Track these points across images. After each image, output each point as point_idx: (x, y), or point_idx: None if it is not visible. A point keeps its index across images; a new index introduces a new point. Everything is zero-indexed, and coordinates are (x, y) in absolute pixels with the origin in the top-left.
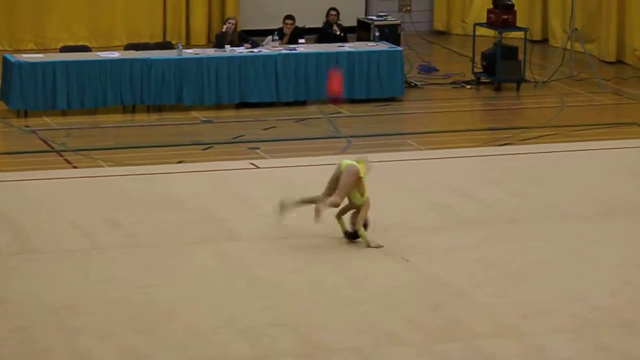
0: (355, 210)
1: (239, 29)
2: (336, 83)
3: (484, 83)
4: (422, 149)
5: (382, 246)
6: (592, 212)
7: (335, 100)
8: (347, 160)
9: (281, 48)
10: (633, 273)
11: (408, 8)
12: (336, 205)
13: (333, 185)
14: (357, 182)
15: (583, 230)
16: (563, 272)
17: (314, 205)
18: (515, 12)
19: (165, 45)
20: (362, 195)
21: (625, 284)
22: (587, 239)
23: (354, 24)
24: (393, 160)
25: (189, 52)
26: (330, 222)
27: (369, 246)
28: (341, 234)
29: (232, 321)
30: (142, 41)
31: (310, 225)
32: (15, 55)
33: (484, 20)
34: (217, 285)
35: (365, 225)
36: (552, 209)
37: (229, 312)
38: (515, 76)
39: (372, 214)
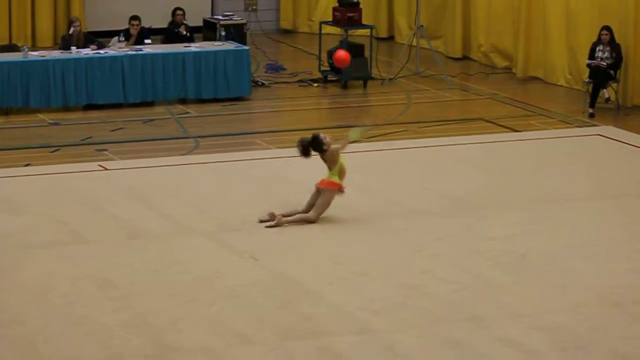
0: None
1: (84, 30)
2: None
3: (331, 81)
4: (270, 148)
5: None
6: (438, 208)
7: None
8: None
9: (127, 49)
10: (480, 267)
11: (254, 7)
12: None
13: (314, 200)
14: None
15: (430, 226)
16: (411, 268)
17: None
18: (360, 9)
19: (11, 47)
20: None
21: (474, 278)
22: (434, 234)
23: (200, 23)
24: (242, 160)
25: (35, 54)
26: (176, 226)
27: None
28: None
29: (82, 323)
30: None
31: (158, 227)
32: None
33: (330, 19)
34: (65, 288)
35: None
36: (398, 205)
37: (78, 314)
38: (362, 74)
39: (219, 213)
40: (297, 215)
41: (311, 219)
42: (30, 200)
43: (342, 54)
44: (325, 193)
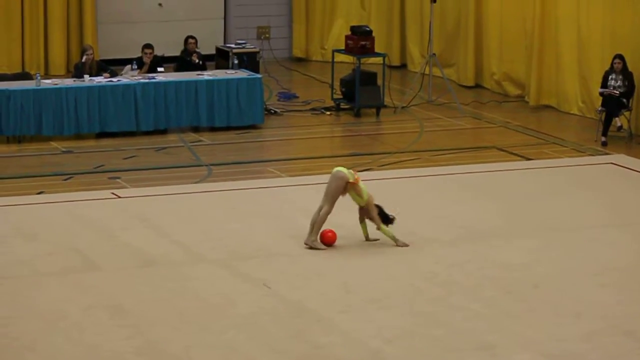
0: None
1: (97, 59)
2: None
3: (343, 109)
4: (282, 176)
5: (407, 245)
6: (450, 236)
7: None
8: (337, 167)
9: (140, 77)
10: (492, 295)
11: (267, 35)
12: (328, 212)
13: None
14: (350, 186)
15: (442, 254)
16: (423, 296)
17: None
18: (373, 38)
19: (24, 75)
20: (361, 196)
21: (486, 306)
22: (446, 262)
23: (213, 51)
24: (254, 188)
25: (48, 83)
26: (189, 254)
27: (396, 243)
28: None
29: (94, 351)
30: (0, 72)
31: (170, 254)
32: None
33: (343, 47)
34: (77, 315)
35: (389, 220)
36: (411, 233)
37: (90, 341)
38: (375, 102)
39: (232, 241)
40: (317, 223)
41: (326, 214)
42: (43, 227)
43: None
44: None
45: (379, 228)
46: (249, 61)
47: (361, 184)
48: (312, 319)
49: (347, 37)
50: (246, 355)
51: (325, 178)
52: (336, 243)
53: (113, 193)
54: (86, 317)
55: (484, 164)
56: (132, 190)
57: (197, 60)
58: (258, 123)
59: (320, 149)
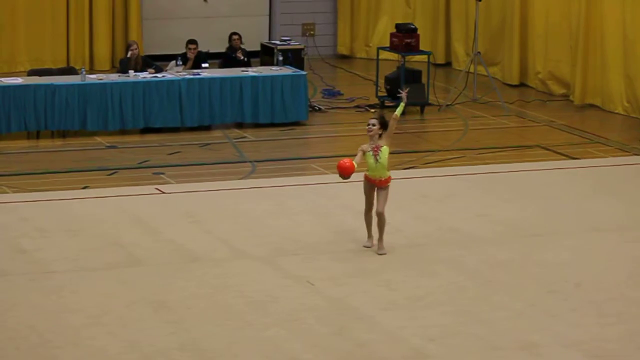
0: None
1: (142, 54)
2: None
3: (387, 107)
4: (326, 173)
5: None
6: (494, 234)
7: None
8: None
9: (185, 73)
10: (535, 294)
11: (312, 32)
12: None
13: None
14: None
15: (485, 252)
16: (467, 295)
17: None
18: (418, 35)
19: (69, 70)
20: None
21: (528, 305)
22: (489, 261)
23: (258, 48)
24: (298, 185)
25: (93, 78)
26: (232, 250)
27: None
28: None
29: (137, 346)
30: (46, 67)
31: (214, 251)
32: None
33: (388, 44)
34: (122, 310)
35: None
36: (455, 232)
37: (134, 337)
38: (419, 100)
39: (275, 237)
40: (381, 233)
41: (384, 218)
42: (87, 222)
43: (346, 165)
44: (386, 189)
45: (397, 118)
46: (294, 58)
47: (382, 153)
48: (355, 316)
49: (392, 35)
50: (288, 352)
51: None
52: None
53: (157, 188)
54: (129, 313)
55: (528, 162)
56: (176, 185)
57: (242, 57)
58: (302, 120)
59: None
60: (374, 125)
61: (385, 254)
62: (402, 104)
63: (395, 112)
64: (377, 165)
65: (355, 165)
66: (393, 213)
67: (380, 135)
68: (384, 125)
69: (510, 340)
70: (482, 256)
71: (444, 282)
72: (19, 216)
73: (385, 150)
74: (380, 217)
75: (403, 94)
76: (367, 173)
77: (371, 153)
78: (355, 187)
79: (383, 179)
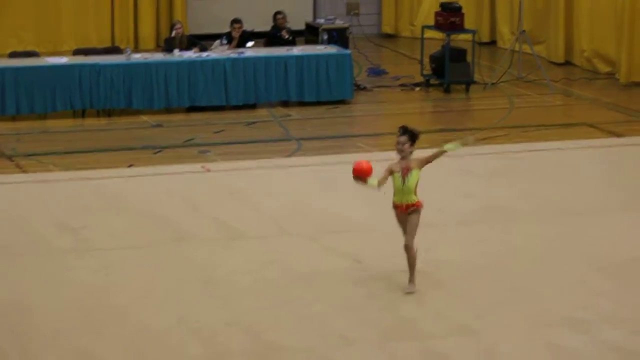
0: None
1: (187, 33)
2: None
3: (433, 85)
4: (372, 151)
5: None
6: (541, 212)
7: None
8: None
9: (230, 52)
10: (586, 272)
11: (356, 11)
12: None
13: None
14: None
15: (533, 230)
16: (514, 272)
17: None
18: (463, 14)
19: (114, 50)
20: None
21: (575, 282)
22: (537, 238)
23: (302, 27)
24: (343, 163)
25: (138, 57)
26: (278, 227)
27: (467, 143)
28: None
29: (185, 321)
30: (91, 46)
31: (260, 227)
32: None
33: (432, 23)
34: (168, 286)
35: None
36: (502, 209)
37: (182, 312)
38: (464, 78)
39: (321, 215)
40: (409, 267)
41: (413, 253)
42: (133, 200)
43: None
44: (416, 215)
45: (444, 150)
46: (339, 37)
47: (411, 177)
48: (402, 293)
49: (436, 14)
50: (334, 328)
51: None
52: (428, 221)
53: (203, 166)
54: (176, 289)
55: (574, 140)
56: (222, 164)
57: (287, 36)
58: (347, 98)
59: (409, 125)
60: (404, 143)
61: (412, 292)
62: (458, 145)
63: (446, 147)
64: (404, 188)
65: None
66: (438, 190)
67: (411, 153)
68: (413, 138)
69: (558, 316)
70: (528, 233)
71: (490, 259)
72: (65, 194)
73: (415, 174)
74: (408, 251)
75: (471, 138)
76: (394, 199)
77: (399, 174)
78: None
79: (410, 204)
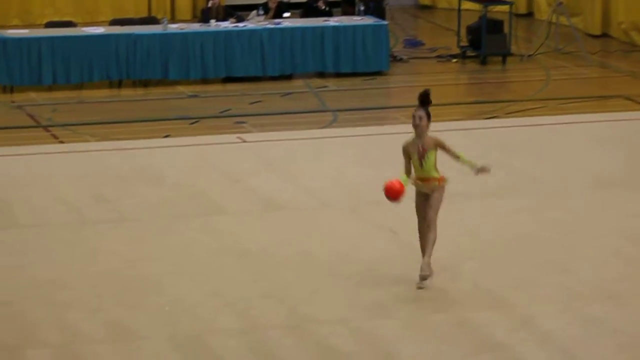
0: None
1: (223, 4)
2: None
3: (469, 57)
4: (408, 123)
5: (489, 170)
6: (577, 184)
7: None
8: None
9: (266, 22)
10: (621, 245)
11: None
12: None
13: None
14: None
15: (568, 202)
16: (550, 244)
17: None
18: None
19: (151, 20)
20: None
21: (613, 256)
22: (572, 211)
23: None
24: (379, 134)
25: (174, 27)
26: (315, 199)
27: (477, 169)
28: None
29: (219, 294)
30: (127, 16)
31: (296, 198)
32: (0, 31)
33: None
34: (204, 258)
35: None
36: (537, 181)
37: (216, 285)
38: (501, 50)
39: (357, 186)
40: (428, 248)
41: (434, 234)
42: (170, 171)
43: (394, 188)
44: (439, 192)
45: (458, 157)
46: (375, 8)
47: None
48: (438, 265)
49: None
50: (371, 299)
51: (450, 125)
52: (462, 192)
53: (239, 137)
54: (212, 261)
55: (611, 112)
56: (258, 134)
57: (323, 7)
58: (383, 70)
59: (445, 96)
60: (420, 118)
61: (427, 275)
62: (471, 164)
63: (461, 155)
64: (422, 169)
65: (405, 187)
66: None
67: (427, 128)
68: (430, 116)
69: (593, 289)
70: (564, 205)
71: (524, 230)
72: (101, 164)
73: (432, 155)
74: (430, 226)
75: (484, 168)
76: (414, 176)
77: (417, 156)
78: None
79: (432, 178)
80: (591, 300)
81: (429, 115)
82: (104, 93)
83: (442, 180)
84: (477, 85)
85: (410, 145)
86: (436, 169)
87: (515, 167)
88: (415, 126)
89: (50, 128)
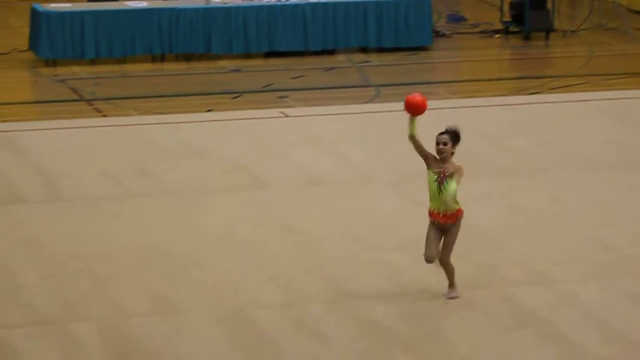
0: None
1: None
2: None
3: (512, 32)
4: (451, 98)
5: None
6: (619, 160)
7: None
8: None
9: None
10: None
11: None
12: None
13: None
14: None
15: (611, 178)
16: (592, 220)
17: None
18: None
19: None
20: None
21: None
22: (615, 187)
23: None
24: None
25: (217, 1)
26: (357, 173)
27: None
28: None
29: (262, 268)
30: None
31: (339, 173)
32: (43, 4)
33: None
34: (247, 233)
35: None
36: (580, 157)
37: (259, 259)
38: (544, 25)
39: (400, 162)
40: (451, 279)
41: (452, 267)
42: (212, 145)
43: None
44: (455, 227)
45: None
46: None
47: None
48: (480, 240)
49: None
50: (411, 275)
51: (493, 100)
52: (504, 167)
53: (281, 112)
54: (255, 235)
55: None
56: (300, 109)
57: None
58: (426, 45)
59: (488, 72)
60: (445, 144)
61: (456, 297)
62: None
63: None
64: (440, 196)
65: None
66: (516, 138)
67: (452, 154)
68: (455, 140)
69: (638, 266)
70: (609, 182)
71: (570, 207)
72: (144, 138)
73: (452, 184)
74: (445, 266)
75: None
76: (430, 205)
77: (436, 176)
78: (479, 112)
79: (449, 214)
80: (633, 277)
81: (454, 140)
82: (146, 67)
83: (459, 214)
84: (520, 61)
85: (434, 162)
86: (455, 200)
87: (559, 142)
88: (439, 152)
89: (93, 102)
